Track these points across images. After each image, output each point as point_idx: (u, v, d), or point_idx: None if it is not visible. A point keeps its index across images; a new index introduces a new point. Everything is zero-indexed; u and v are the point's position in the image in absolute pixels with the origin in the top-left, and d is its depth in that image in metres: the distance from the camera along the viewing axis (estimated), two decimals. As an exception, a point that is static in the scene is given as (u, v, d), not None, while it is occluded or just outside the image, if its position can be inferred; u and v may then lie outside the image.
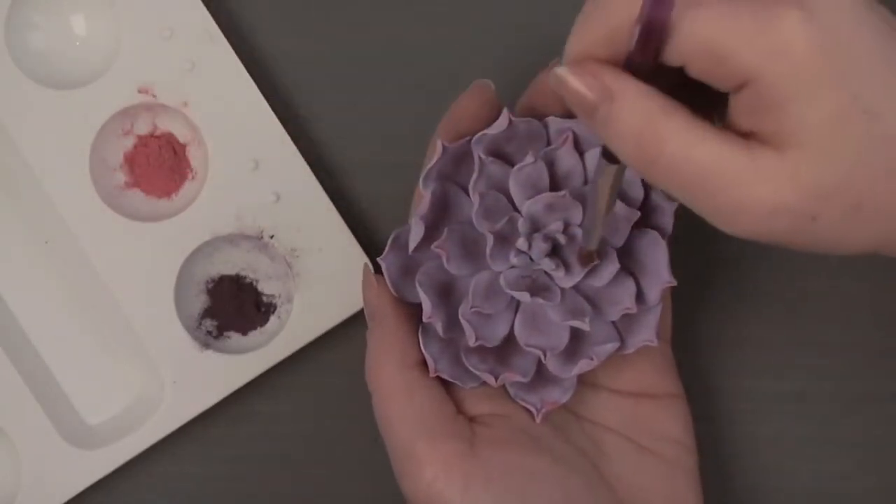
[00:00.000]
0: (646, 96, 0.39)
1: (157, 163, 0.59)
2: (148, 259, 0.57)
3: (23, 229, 0.59)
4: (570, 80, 0.40)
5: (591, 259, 0.47)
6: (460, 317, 0.48)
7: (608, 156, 0.42)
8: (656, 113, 0.39)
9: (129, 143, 0.59)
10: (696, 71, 0.39)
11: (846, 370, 0.59)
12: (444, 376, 0.48)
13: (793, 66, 0.38)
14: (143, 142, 0.59)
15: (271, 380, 0.59)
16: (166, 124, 0.59)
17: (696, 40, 0.39)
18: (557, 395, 0.49)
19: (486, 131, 0.47)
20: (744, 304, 0.60)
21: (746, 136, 0.40)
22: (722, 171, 0.39)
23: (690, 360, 0.58)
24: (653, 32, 0.38)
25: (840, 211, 0.40)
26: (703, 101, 0.42)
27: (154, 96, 0.57)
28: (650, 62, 0.39)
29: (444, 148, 0.47)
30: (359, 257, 0.57)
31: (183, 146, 0.59)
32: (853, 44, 0.39)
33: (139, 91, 0.57)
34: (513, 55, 0.60)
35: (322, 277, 0.57)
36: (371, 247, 0.58)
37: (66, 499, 0.57)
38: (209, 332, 0.58)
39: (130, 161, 0.59)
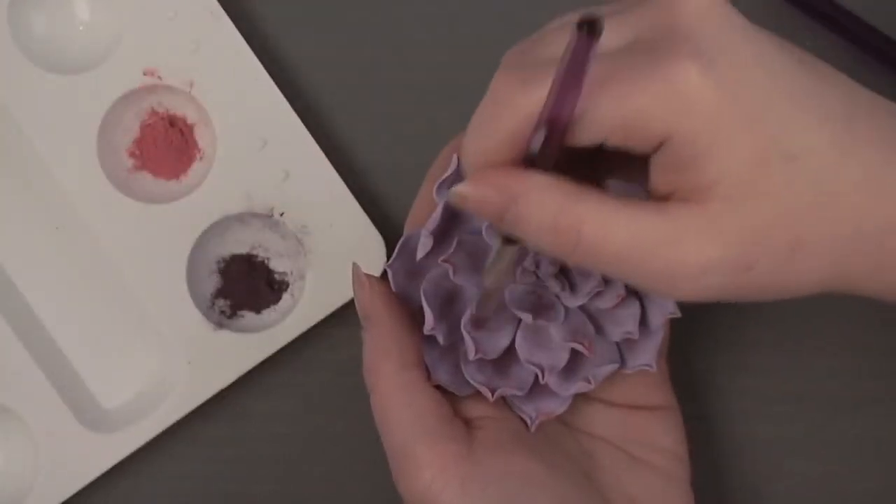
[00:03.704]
0: (551, 188, 0.39)
1: (164, 145, 0.59)
2: (159, 241, 0.57)
3: (34, 215, 0.59)
4: (471, 194, 0.40)
5: (483, 323, 0.47)
6: (462, 329, 0.48)
7: (508, 239, 0.42)
8: (565, 202, 0.39)
9: (135, 126, 0.59)
10: (612, 144, 0.39)
11: (846, 370, 0.59)
12: (442, 384, 0.48)
13: (703, 118, 0.38)
14: (150, 124, 0.59)
15: (271, 379, 0.59)
16: (173, 105, 0.59)
17: (606, 121, 0.38)
18: (553, 407, 0.49)
19: None
20: (743, 305, 0.59)
21: (667, 198, 0.40)
22: (644, 241, 0.39)
23: (690, 360, 0.58)
24: (557, 128, 0.38)
25: (775, 256, 0.39)
26: (624, 163, 0.42)
27: (160, 78, 0.57)
28: (555, 153, 0.39)
29: (460, 161, 0.47)
30: (369, 231, 0.57)
31: (190, 126, 0.59)
32: (763, 88, 0.39)
33: (144, 73, 0.57)
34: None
35: (333, 253, 0.57)
36: (380, 220, 0.58)
37: (85, 483, 0.57)
38: (223, 312, 0.58)
39: (138, 144, 0.59)
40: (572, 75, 0.36)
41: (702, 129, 0.38)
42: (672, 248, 0.39)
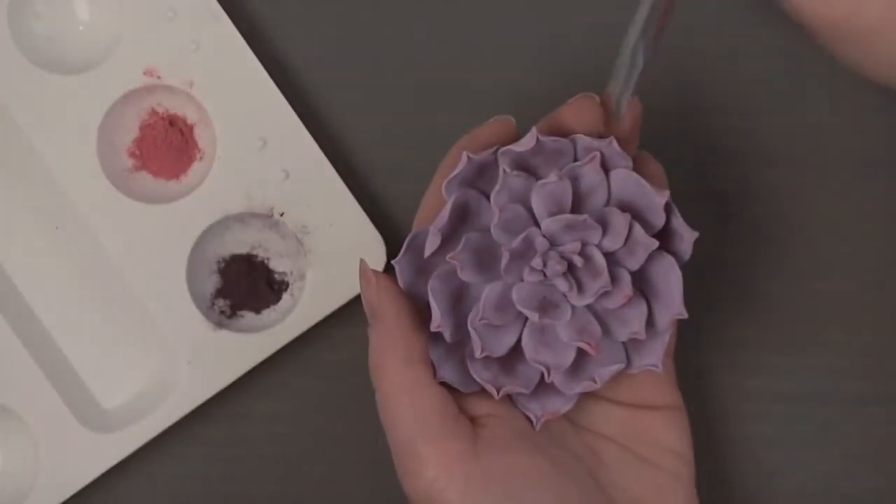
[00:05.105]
0: None
1: (164, 145, 0.59)
2: (159, 241, 0.57)
3: (34, 215, 0.59)
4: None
5: (617, 112, 0.46)
6: (469, 326, 0.47)
7: None
8: None
9: (135, 126, 0.59)
10: None
11: (846, 370, 0.59)
12: (448, 381, 0.48)
13: None
14: (150, 124, 0.59)
15: (271, 379, 0.59)
16: (173, 105, 0.59)
17: None
18: (559, 405, 0.49)
19: (511, 147, 0.47)
20: (744, 305, 0.60)
21: None
22: None
23: (691, 360, 0.58)
24: None
25: None
26: None
27: (159, 78, 0.57)
28: None
29: (469, 158, 0.47)
30: (369, 231, 0.57)
31: (190, 126, 0.59)
32: None
33: (144, 73, 0.57)
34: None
35: (333, 253, 0.57)
36: (380, 220, 0.59)
37: (86, 482, 0.57)
38: (223, 312, 0.58)
39: (138, 144, 0.59)
40: None
41: None
42: None
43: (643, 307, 0.48)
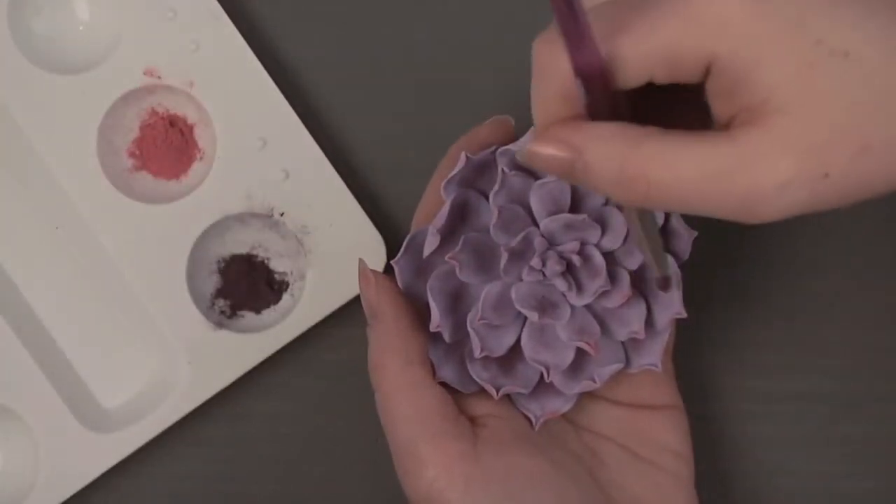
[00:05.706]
0: (613, 136, 0.39)
1: (164, 145, 0.59)
2: (159, 241, 0.57)
3: (34, 215, 0.59)
4: (537, 150, 0.40)
5: (667, 283, 0.46)
6: (468, 326, 0.48)
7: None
8: (628, 149, 0.38)
9: (135, 126, 0.59)
10: (662, 80, 0.39)
11: (846, 370, 0.59)
12: (447, 381, 0.48)
13: (739, 35, 0.37)
14: (150, 124, 0.59)
15: (271, 379, 0.59)
16: (173, 105, 0.59)
17: (644, 58, 0.38)
18: (558, 405, 0.49)
19: (510, 147, 0.47)
20: (744, 305, 0.60)
21: (730, 124, 0.39)
22: (715, 172, 0.38)
23: (691, 361, 0.58)
24: (593, 77, 0.38)
25: (849, 158, 0.38)
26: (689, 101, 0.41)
27: (159, 78, 0.57)
28: (609, 100, 0.39)
29: (468, 158, 0.47)
30: (369, 231, 0.57)
31: (190, 127, 0.59)
32: None
33: (144, 73, 0.57)
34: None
35: (333, 253, 0.57)
36: (380, 220, 0.59)
37: (85, 483, 0.57)
38: (223, 312, 0.58)
39: (138, 144, 0.59)
40: (568, 22, 0.36)
41: (741, 46, 0.37)
42: (745, 173, 0.37)
43: (642, 307, 0.48)
